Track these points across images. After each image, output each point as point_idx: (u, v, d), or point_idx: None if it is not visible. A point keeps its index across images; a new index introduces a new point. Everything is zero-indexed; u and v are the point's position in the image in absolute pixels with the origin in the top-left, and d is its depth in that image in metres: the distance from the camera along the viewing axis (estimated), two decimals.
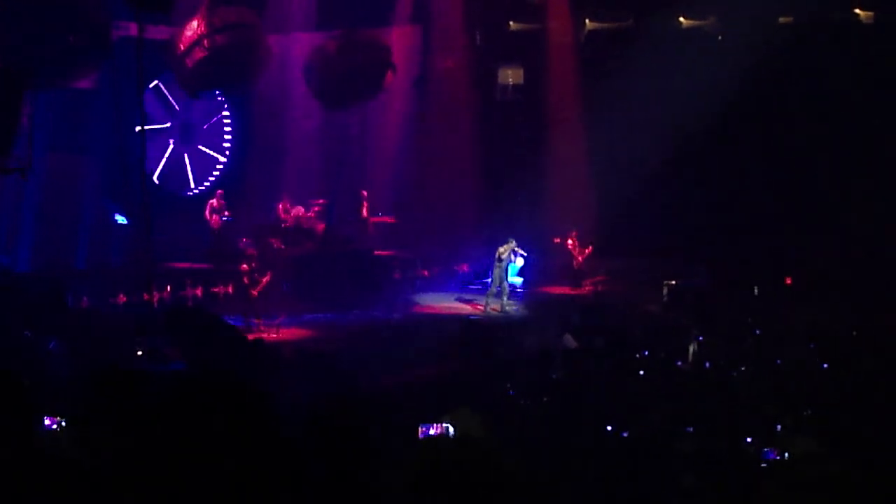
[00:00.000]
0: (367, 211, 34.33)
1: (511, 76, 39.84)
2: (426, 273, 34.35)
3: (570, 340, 21.83)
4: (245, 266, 25.71)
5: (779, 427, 13.55)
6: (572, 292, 32.21)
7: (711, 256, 31.89)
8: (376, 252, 33.08)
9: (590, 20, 37.78)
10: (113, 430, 4.81)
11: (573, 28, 37.83)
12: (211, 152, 35.07)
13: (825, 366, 18.48)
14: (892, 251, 29.93)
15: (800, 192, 33.58)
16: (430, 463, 4.30)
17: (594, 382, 17.40)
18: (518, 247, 30.07)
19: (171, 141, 33.82)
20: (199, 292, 28.48)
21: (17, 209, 28.66)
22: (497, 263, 29.09)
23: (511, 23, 38.42)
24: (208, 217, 30.70)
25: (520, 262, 32.09)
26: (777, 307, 26.36)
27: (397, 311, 28.90)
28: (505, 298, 29.11)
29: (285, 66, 33.61)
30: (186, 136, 34.44)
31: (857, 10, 34.81)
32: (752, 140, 34.56)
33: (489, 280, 29.74)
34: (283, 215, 31.85)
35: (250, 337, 22.24)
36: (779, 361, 19.07)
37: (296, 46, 33.90)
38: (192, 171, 34.66)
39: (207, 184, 34.53)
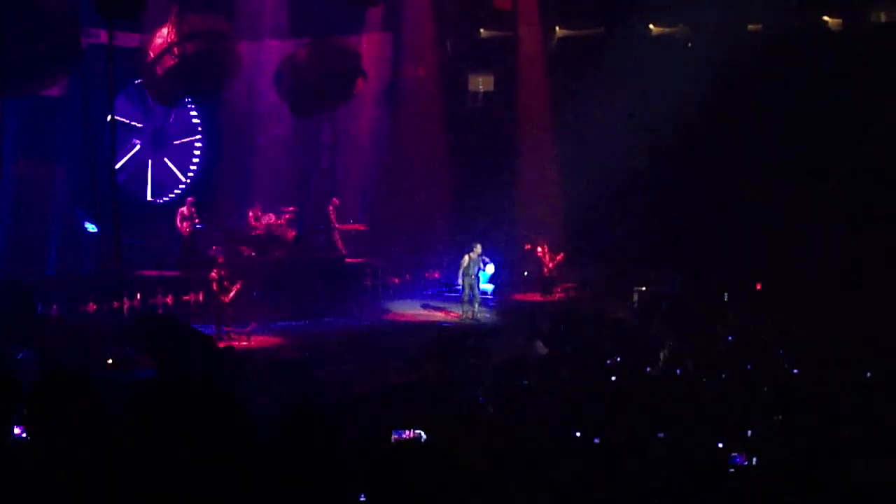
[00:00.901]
0: (338, 218, 34.24)
1: (482, 83, 39.88)
2: (397, 280, 34.31)
3: (540, 347, 21.89)
4: (215, 274, 25.62)
5: (749, 433, 13.61)
6: (543, 299, 32.25)
7: (682, 263, 32.00)
8: (347, 259, 33.04)
9: (560, 27, 37.90)
10: (77, 438, 4.79)
11: (543, 35, 37.94)
12: (180, 160, 34.94)
13: (795, 371, 18.58)
14: (861, 256, 30.09)
15: (769, 199, 33.70)
16: (400, 469, 4.31)
17: (564, 389, 17.43)
18: (484, 254, 30.02)
19: (141, 147, 33.66)
20: (169, 300, 28.35)
21: None
22: (465, 271, 29.03)
23: (481, 30, 38.50)
24: (179, 225, 30.56)
25: (490, 269, 32.11)
26: (747, 313, 26.45)
27: (366, 318, 28.88)
28: (476, 305, 29.09)
29: (256, 73, 33.50)
30: (157, 143, 34.30)
31: (826, 18, 35.02)
32: (722, 147, 34.67)
33: (459, 287, 29.69)
34: (253, 223, 31.76)
35: (221, 345, 22.20)
36: (749, 367, 19.16)
37: (266, 54, 33.80)
38: (162, 178, 34.52)
39: (178, 191, 34.39)
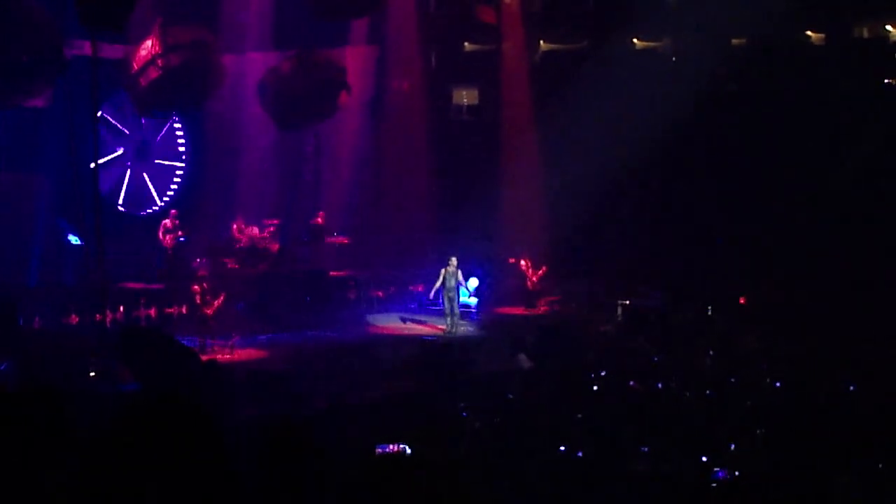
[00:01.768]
0: (323, 231, 34.19)
1: (466, 97, 40.00)
2: (381, 294, 34.26)
3: (524, 361, 21.87)
4: (198, 286, 25.56)
5: (732, 446, 13.63)
6: (526, 313, 32.23)
7: (665, 277, 32.04)
8: (331, 272, 32.99)
9: (544, 41, 38.05)
10: (51, 451, 4.77)
11: (528, 49, 38.04)
12: (164, 172, 34.89)
13: (778, 385, 18.60)
14: (844, 269, 30.16)
15: (752, 212, 33.81)
16: (384, 483, 4.30)
17: (548, 402, 17.43)
18: (467, 267, 29.92)
19: (124, 158, 33.64)
20: (152, 312, 28.28)
21: None
22: (443, 284, 28.91)
23: (466, 44, 38.60)
24: (162, 237, 30.47)
25: (474, 282, 32.09)
26: (730, 327, 26.47)
27: (349, 331, 28.83)
28: (456, 319, 28.98)
29: (240, 85, 33.51)
30: (140, 156, 34.26)
31: (809, 33, 35.20)
32: (706, 160, 34.77)
33: (439, 302, 29.60)
34: (237, 235, 31.70)
35: (204, 357, 22.11)
36: (732, 381, 19.17)
37: (251, 66, 33.79)
38: (139, 192, 34.46)
39: (161, 204, 34.35)
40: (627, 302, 29.92)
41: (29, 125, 29.07)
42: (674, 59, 36.33)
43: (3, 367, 20.15)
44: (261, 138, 35.09)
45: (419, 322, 30.39)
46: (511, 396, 18.32)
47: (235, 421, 15.41)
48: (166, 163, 35.01)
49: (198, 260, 30.57)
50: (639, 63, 35.87)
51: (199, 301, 25.35)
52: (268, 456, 5.68)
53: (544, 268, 32.92)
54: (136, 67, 29.02)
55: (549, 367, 21.13)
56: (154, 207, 34.32)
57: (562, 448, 13.37)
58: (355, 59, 35.61)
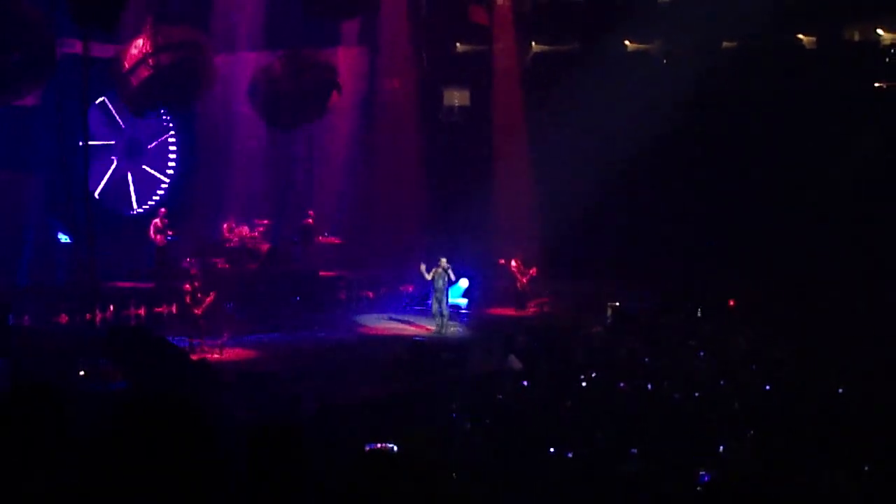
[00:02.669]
0: (313, 231, 34.17)
1: (457, 98, 40.01)
2: (371, 294, 34.25)
3: (514, 362, 21.87)
4: (188, 286, 25.53)
5: (721, 448, 13.64)
6: (517, 314, 32.22)
7: (655, 278, 32.06)
8: (321, 272, 32.98)
9: (536, 43, 38.06)
10: (45, 450, 4.77)
11: (519, 51, 38.07)
12: (155, 172, 34.83)
13: (767, 387, 18.63)
14: (834, 272, 30.21)
15: (743, 214, 33.86)
16: (372, 481, 4.30)
17: (538, 404, 17.43)
18: (457, 268, 29.87)
19: (115, 159, 33.59)
20: (142, 312, 28.22)
21: None
22: (433, 286, 28.88)
23: (457, 45, 38.59)
24: (153, 236, 30.39)
25: (464, 283, 32.09)
26: (720, 329, 26.49)
27: (338, 331, 28.81)
28: (445, 320, 28.95)
29: (231, 85, 33.50)
30: (131, 155, 34.22)
31: (801, 36, 35.25)
32: (697, 162, 34.79)
33: (429, 303, 29.60)
34: (227, 235, 31.69)
35: (194, 357, 22.10)
36: (721, 383, 19.20)
37: (242, 66, 33.77)
38: (135, 189, 34.43)
39: (152, 203, 34.30)
40: (617, 303, 29.90)
41: (19, 124, 29.00)
42: (665, 61, 36.35)
43: None
44: (252, 138, 35.09)
45: (413, 323, 30.38)
46: (501, 397, 18.33)
47: (225, 421, 15.39)
48: (153, 172, 34.91)
49: (188, 259, 30.53)
50: (630, 65, 35.90)
51: (189, 300, 25.32)
52: (257, 456, 5.68)
53: (534, 269, 32.89)
54: (126, 66, 28.99)
55: (540, 368, 21.13)
56: (133, 212, 34.21)
57: (551, 449, 13.38)
58: (347, 60, 35.64)
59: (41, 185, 29.88)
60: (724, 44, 35.42)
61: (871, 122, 32.43)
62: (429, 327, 29.00)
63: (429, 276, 28.81)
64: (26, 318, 26.05)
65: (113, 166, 33.52)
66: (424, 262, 29.01)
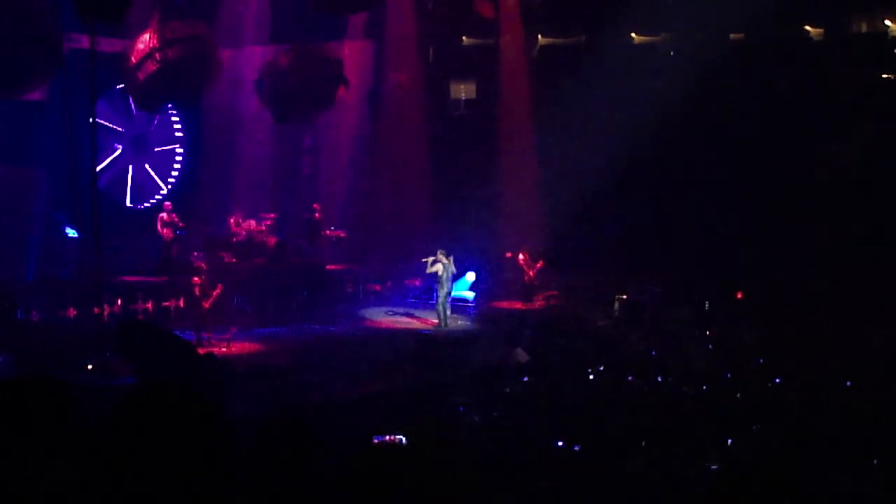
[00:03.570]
0: (320, 225, 34.14)
1: (463, 91, 39.95)
2: (378, 287, 34.25)
3: (521, 355, 21.87)
4: (196, 279, 25.53)
5: (730, 441, 13.64)
6: (524, 307, 32.19)
7: (663, 271, 32.01)
8: (328, 266, 32.98)
9: (542, 36, 37.97)
10: (52, 443, 4.76)
11: (526, 44, 38.00)
12: (156, 176, 34.88)
13: (775, 381, 18.61)
14: (842, 264, 30.13)
15: (750, 207, 33.78)
16: (380, 474, 4.30)
17: (545, 397, 17.43)
18: (465, 261, 29.84)
19: (120, 147, 33.60)
20: (149, 306, 28.21)
21: None
22: (438, 278, 28.86)
23: (464, 38, 38.55)
24: (160, 230, 30.41)
25: (471, 276, 32.10)
26: (727, 322, 26.46)
27: (348, 325, 28.81)
28: (448, 312, 28.92)
29: (237, 79, 33.52)
30: (138, 149, 34.25)
31: (807, 27, 35.17)
32: (703, 155, 34.70)
33: (435, 296, 29.61)
34: (234, 229, 31.64)
35: (201, 351, 22.11)
36: (729, 376, 19.19)
37: (248, 60, 33.79)
38: (132, 186, 34.45)
39: (159, 197, 34.32)
40: (625, 296, 29.89)
41: (26, 118, 29.04)
42: (672, 53, 36.27)
43: (0, 360, 20.17)
44: (258, 132, 35.09)
45: (419, 317, 30.39)
46: (508, 391, 18.33)
47: (232, 414, 15.39)
48: (166, 148, 35.07)
49: (195, 253, 30.52)
50: (637, 57, 35.82)
51: (196, 294, 25.33)
52: (265, 450, 5.68)
53: (541, 262, 32.86)
54: (133, 61, 29.00)
55: (547, 361, 21.14)
56: (140, 206, 34.27)
57: (559, 442, 13.38)
58: (353, 53, 35.60)
59: (48, 179, 29.93)
60: (731, 36, 35.35)
61: (878, 113, 32.36)
62: (434, 321, 29.03)
63: (431, 270, 28.83)
64: (34, 312, 26.08)
65: (117, 153, 33.51)
66: (431, 256, 29.00)
